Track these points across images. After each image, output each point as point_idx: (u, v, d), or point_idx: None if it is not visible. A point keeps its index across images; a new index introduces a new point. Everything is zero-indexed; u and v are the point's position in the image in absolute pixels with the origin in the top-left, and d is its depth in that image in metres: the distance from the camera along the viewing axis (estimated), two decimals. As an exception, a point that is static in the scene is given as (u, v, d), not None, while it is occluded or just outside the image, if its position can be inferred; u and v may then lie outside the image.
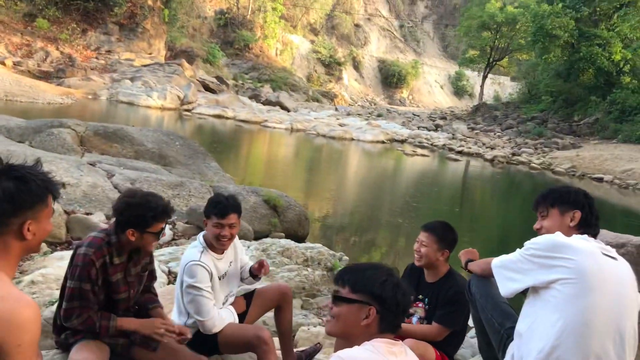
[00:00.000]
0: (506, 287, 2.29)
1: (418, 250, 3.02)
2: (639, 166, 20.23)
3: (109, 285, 2.46)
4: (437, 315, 2.93)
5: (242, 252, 3.14)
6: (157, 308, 2.71)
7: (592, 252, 2.16)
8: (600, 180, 19.71)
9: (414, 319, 3.06)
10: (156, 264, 4.97)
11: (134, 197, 2.48)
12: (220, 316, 2.78)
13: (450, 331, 2.87)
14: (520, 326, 2.24)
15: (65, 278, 2.43)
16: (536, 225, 2.46)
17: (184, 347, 2.65)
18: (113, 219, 2.53)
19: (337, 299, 1.72)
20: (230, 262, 3.03)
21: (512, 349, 2.29)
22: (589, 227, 2.35)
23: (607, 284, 2.11)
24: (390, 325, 1.68)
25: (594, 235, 2.33)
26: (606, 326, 2.07)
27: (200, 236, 2.94)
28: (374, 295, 1.66)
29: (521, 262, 2.22)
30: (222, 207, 2.81)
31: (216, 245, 2.86)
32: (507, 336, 2.40)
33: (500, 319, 2.48)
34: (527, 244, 2.26)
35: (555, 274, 2.11)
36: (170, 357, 2.58)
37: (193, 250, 2.87)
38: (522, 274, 2.21)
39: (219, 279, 2.89)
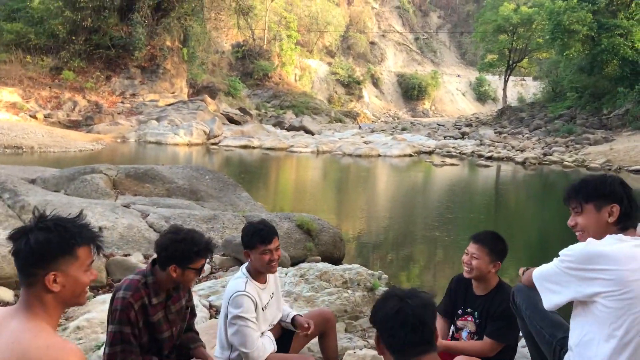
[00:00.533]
0: (548, 299, 2.14)
1: (469, 263, 2.93)
2: (677, 153, 19.61)
3: (151, 326, 2.46)
4: (489, 330, 2.84)
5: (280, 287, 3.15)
6: (199, 347, 2.70)
7: (631, 255, 1.98)
8: (637, 172, 19.15)
9: (464, 334, 2.98)
10: (196, 299, 5.00)
11: (178, 233, 2.51)
12: (264, 346, 2.76)
13: (502, 346, 2.78)
14: (572, 340, 2.12)
15: (108, 323, 2.46)
16: (570, 222, 2.27)
17: None
18: (149, 260, 2.55)
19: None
20: (272, 293, 3.03)
21: (569, 356, 2.18)
22: (629, 220, 2.13)
23: None
24: (399, 352, 1.63)
25: (635, 227, 2.15)
26: None
27: (243, 268, 2.95)
28: (375, 325, 1.71)
29: (558, 274, 2.09)
30: (265, 233, 2.85)
31: (267, 271, 2.91)
32: (561, 347, 2.28)
33: (550, 330, 2.36)
34: (561, 254, 2.12)
35: (595, 287, 1.98)
36: None
37: (237, 281, 2.88)
38: (562, 287, 2.07)
39: (262, 310, 2.89)
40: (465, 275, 2.97)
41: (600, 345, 1.98)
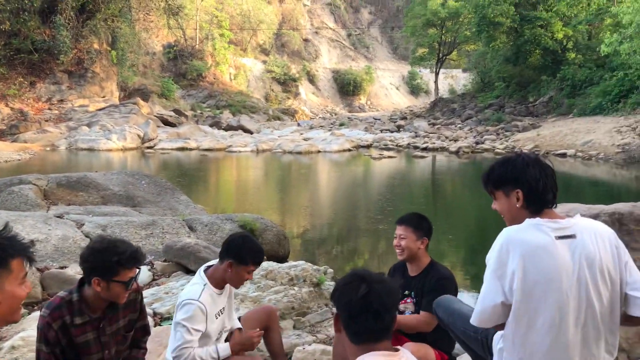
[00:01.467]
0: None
1: (398, 245, 3.06)
2: (597, 137, 20.83)
3: (76, 347, 2.30)
4: (424, 304, 2.96)
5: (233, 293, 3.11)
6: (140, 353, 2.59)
7: (542, 245, 1.97)
8: (564, 155, 20.21)
9: (407, 314, 3.06)
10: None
11: (101, 243, 2.34)
12: (200, 356, 2.69)
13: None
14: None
15: None
16: (493, 206, 2.24)
17: None
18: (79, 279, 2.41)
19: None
20: (227, 297, 2.99)
21: (498, 336, 2.23)
22: (539, 202, 2.07)
23: (565, 276, 1.97)
24: (357, 336, 1.62)
25: (547, 207, 2.08)
26: (574, 317, 1.98)
27: (201, 271, 2.88)
28: (336, 305, 1.68)
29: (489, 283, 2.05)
30: (261, 255, 2.84)
31: (236, 286, 2.90)
32: (485, 337, 2.34)
33: (472, 327, 2.33)
34: (488, 258, 2.09)
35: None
36: None
37: (194, 287, 2.81)
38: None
39: (217, 317, 2.83)
40: (399, 257, 3.11)
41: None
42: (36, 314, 4.82)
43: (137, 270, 2.37)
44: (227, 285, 2.95)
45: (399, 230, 3.08)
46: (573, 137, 21.73)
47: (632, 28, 20.54)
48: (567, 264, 1.98)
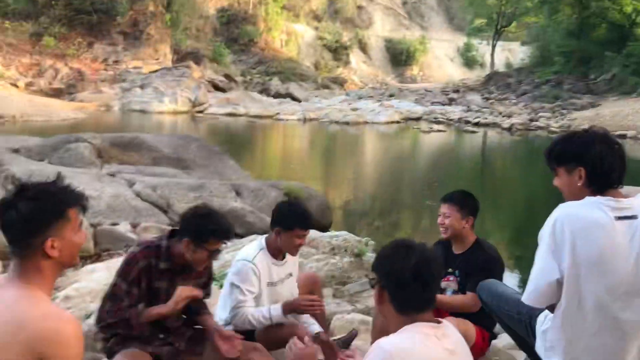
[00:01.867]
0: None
1: (442, 223, 3.01)
2: (661, 118, 19.80)
3: (152, 292, 2.41)
4: (470, 285, 2.90)
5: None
6: (205, 315, 2.65)
7: (599, 223, 1.90)
8: (623, 137, 19.29)
9: (448, 293, 3.03)
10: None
11: (203, 209, 2.48)
12: (250, 315, 2.76)
13: None
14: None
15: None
16: (554, 182, 2.16)
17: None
18: (169, 228, 2.52)
19: (372, 280, 1.76)
20: (290, 273, 3.02)
21: (542, 317, 2.21)
22: (602, 181, 1.98)
23: (621, 257, 1.91)
24: (404, 305, 1.61)
25: (613, 187, 1.99)
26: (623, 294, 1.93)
27: (262, 238, 2.93)
28: (381, 274, 1.66)
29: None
30: (310, 220, 2.86)
31: (290, 253, 2.91)
32: (529, 319, 2.30)
33: (515, 309, 2.37)
34: (540, 233, 2.04)
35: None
36: (217, 357, 2.55)
37: (250, 249, 2.89)
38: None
39: (269, 285, 2.87)
40: (442, 235, 3.06)
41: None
42: (90, 267, 5.05)
43: (224, 244, 2.49)
44: (291, 261, 2.98)
45: (444, 209, 3.02)
46: (635, 118, 20.71)
47: None
48: (625, 246, 1.91)
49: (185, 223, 2.41)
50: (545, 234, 1.99)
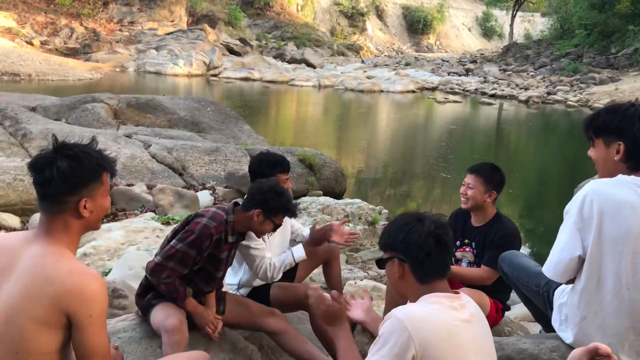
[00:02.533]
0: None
1: (464, 193, 2.97)
2: (682, 95, 19.39)
3: (215, 262, 2.51)
4: (486, 259, 2.89)
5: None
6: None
7: (629, 202, 1.89)
8: (641, 113, 19.02)
9: (463, 264, 3.03)
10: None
11: (280, 187, 2.58)
12: (275, 262, 2.81)
13: (499, 274, 2.84)
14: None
15: (172, 237, 2.46)
16: (589, 152, 2.12)
17: (251, 302, 2.73)
18: (232, 201, 2.61)
19: (379, 261, 1.76)
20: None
21: (560, 290, 2.23)
22: (635, 159, 1.95)
23: None
24: (427, 273, 1.63)
25: None
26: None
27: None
28: (400, 249, 1.65)
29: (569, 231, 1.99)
30: (286, 162, 2.98)
31: None
32: (547, 292, 2.32)
33: (535, 281, 2.38)
34: (567, 207, 2.03)
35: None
36: (239, 315, 2.65)
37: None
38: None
39: (267, 236, 2.90)
40: (462, 206, 3.02)
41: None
42: (106, 226, 5.13)
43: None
44: None
45: (468, 179, 2.97)
46: (655, 95, 20.32)
47: None
48: None
49: (261, 196, 2.51)
50: (572, 209, 1.98)
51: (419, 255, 1.62)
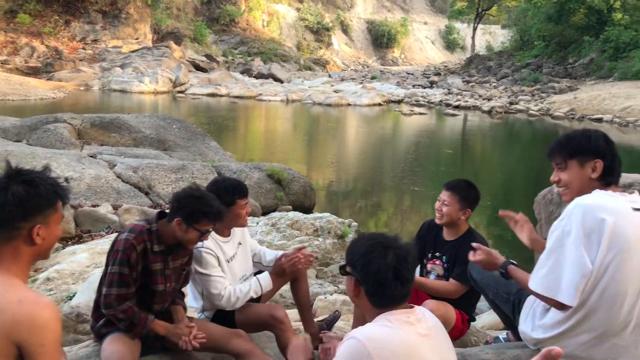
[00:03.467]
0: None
1: (439, 209, 2.97)
2: (637, 103, 20.11)
3: (148, 274, 2.45)
4: (455, 273, 2.92)
5: (249, 236, 3.12)
6: (179, 306, 2.67)
7: (624, 213, 1.95)
8: (599, 120, 19.63)
9: (432, 276, 3.05)
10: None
11: (197, 191, 2.50)
12: (238, 291, 2.77)
13: (467, 289, 2.86)
14: None
15: (107, 265, 2.43)
16: (553, 178, 2.18)
17: (214, 326, 2.67)
18: (156, 211, 2.51)
19: (341, 267, 1.76)
20: (239, 243, 3.00)
21: (531, 299, 2.25)
22: (612, 175, 2.07)
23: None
24: (381, 302, 1.63)
25: (617, 183, 2.09)
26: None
27: None
28: (358, 272, 1.66)
29: (570, 251, 1.95)
30: (243, 187, 2.86)
31: (241, 225, 2.89)
32: (519, 300, 2.35)
33: (505, 288, 2.41)
34: (560, 227, 1.99)
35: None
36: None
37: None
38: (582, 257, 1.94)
39: (227, 262, 2.86)
40: (437, 221, 3.03)
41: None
42: (71, 249, 5.02)
43: (213, 226, 2.51)
44: (237, 234, 2.97)
45: (444, 196, 2.97)
46: (611, 102, 21.01)
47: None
48: None
49: (179, 203, 2.44)
50: (570, 227, 1.96)
51: (375, 285, 1.63)
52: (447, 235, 3.05)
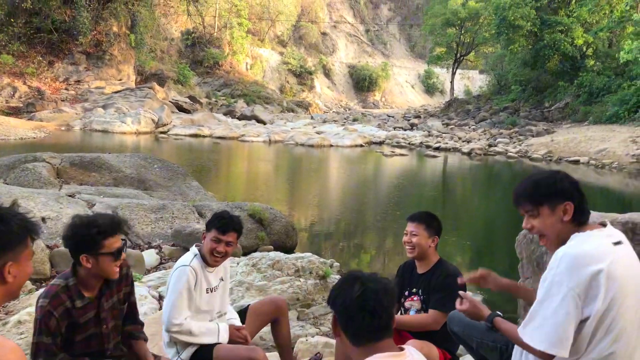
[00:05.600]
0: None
1: (409, 242, 3.03)
2: (611, 145, 20.62)
3: (77, 328, 2.31)
4: (432, 302, 2.94)
5: (229, 276, 3.12)
6: (140, 341, 2.58)
7: (609, 252, 1.96)
8: (576, 162, 20.03)
9: (412, 312, 3.06)
10: (145, 289, 4.91)
11: (79, 219, 2.33)
12: (192, 327, 2.72)
13: (446, 317, 2.85)
14: None
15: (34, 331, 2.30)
16: (525, 225, 2.16)
17: None
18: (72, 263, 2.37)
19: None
20: (221, 278, 3.00)
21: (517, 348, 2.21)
22: (583, 214, 2.06)
23: (635, 281, 1.98)
24: (355, 337, 1.59)
25: (587, 221, 2.09)
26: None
27: (194, 246, 2.96)
28: (333, 307, 1.64)
29: (566, 307, 1.92)
30: (224, 222, 2.85)
31: (209, 259, 2.87)
32: (506, 347, 2.32)
33: (490, 337, 2.37)
34: (550, 277, 1.97)
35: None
36: None
37: (187, 255, 2.91)
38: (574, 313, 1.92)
39: (207, 292, 2.87)
40: (409, 255, 3.09)
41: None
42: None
43: (123, 241, 2.36)
44: (221, 268, 2.99)
45: (411, 227, 3.05)
46: (587, 145, 21.51)
47: (654, 37, 20.24)
48: (632, 268, 1.99)
49: (72, 242, 2.29)
50: (561, 277, 1.94)
51: (344, 318, 1.61)
52: (420, 268, 3.09)
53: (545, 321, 1.94)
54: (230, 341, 2.84)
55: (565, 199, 2.05)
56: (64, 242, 2.35)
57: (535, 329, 1.97)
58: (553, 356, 1.95)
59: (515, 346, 2.21)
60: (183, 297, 2.73)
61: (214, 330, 2.80)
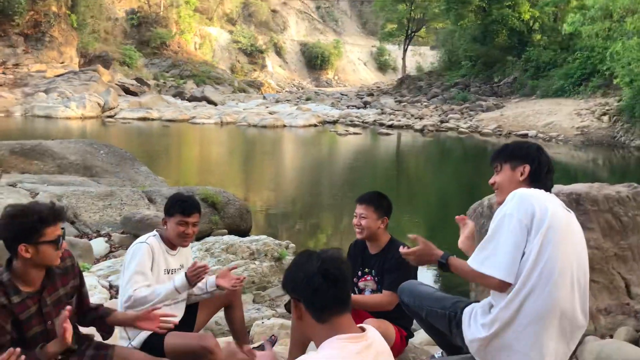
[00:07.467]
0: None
1: (358, 224, 3.02)
2: (558, 119, 21.27)
3: (22, 325, 2.19)
4: (386, 283, 2.96)
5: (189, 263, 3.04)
6: (112, 313, 2.51)
7: (558, 202, 2.25)
8: (525, 136, 20.57)
9: (367, 293, 3.07)
10: (94, 279, 4.74)
11: (15, 208, 2.21)
12: (154, 292, 2.68)
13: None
14: None
15: None
16: (490, 180, 2.44)
17: (139, 354, 2.52)
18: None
19: (287, 304, 1.80)
20: (182, 264, 2.97)
21: (469, 308, 2.31)
22: (538, 181, 2.30)
23: (573, 235, 2.22)
24: (321, 311, 1.58)
25: (547, 189, 2.31)
26: (571, 277, 2.16)
27: (155, 230, 2.95)
28: (292, 288, 1.65)
29: (516, 234, 2.13)
30: (187, 205, 2.88)
31: (178, 243, 2.90)
32: (454, 313, 2.39)
33: (439, 304, 2.46)
34: (502, 212, 2.17)
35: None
36: None
37: (143, 235, 2.91)
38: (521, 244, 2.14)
39: (165, 273, 2.86)
40: (358, 236, 3.08)
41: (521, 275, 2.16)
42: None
43: (62, 229, 2.27)
44: (183, 253, 3.00)
45: (360, 209, 3.04)
46: (535, 119, 22.12)
47: (594, 10, 20.77)
48: (577, 229, 2.25)
49: (8, 232, 2.16)
50: (512, 210, 2.14)
51: (307, 293, 1.59)
52: (372, 249, 3.10)
53: (497, 250, 2.12)
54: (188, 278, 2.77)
55: (525, 162, 2.31)
56: (3, 235, 2.21)
57: (485, 257, 2.14)
58: (508, 285, 2.10)
59: (465, 311, 2.31)
60: (137, 273, 2.70)
61: (171, 288, 2.74)
